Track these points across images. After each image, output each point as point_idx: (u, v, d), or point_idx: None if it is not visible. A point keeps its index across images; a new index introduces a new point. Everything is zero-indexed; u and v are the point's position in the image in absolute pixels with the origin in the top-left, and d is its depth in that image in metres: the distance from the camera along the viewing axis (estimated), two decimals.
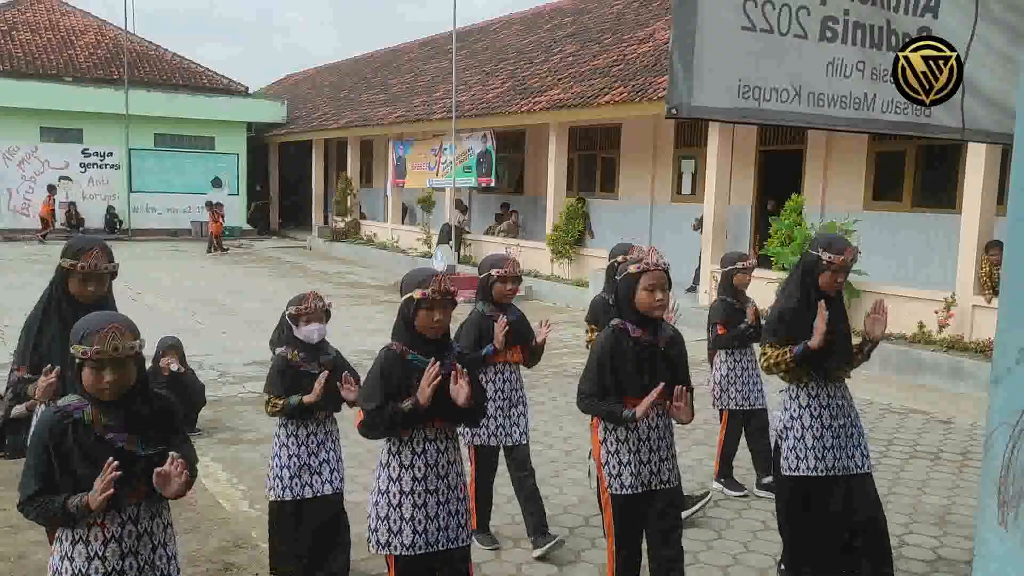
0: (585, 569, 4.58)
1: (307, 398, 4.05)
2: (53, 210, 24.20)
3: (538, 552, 4.65)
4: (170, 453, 2.58)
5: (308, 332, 4.16)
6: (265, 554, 4.65)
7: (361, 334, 10.44)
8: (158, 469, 2.55)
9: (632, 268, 3.52)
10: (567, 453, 6.54)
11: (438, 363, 3.12)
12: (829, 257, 3.95)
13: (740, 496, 5.68)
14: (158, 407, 2.74)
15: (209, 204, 24.06)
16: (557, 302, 14.79)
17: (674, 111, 2.87)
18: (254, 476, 5.85)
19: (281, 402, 4.12)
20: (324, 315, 4.21)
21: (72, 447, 2.56)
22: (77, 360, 2.57)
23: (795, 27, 2.97)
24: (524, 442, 4.80)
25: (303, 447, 4.18)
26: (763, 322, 5.54)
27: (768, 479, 5.83)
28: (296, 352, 4.19)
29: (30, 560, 4.56)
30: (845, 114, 3.10)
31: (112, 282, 3.79)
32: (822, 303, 3.89)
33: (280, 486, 4.18)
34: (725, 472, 5.83)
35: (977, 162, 9.78)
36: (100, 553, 2.60)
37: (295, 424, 4.19)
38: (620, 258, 5.17)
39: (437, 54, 26.69)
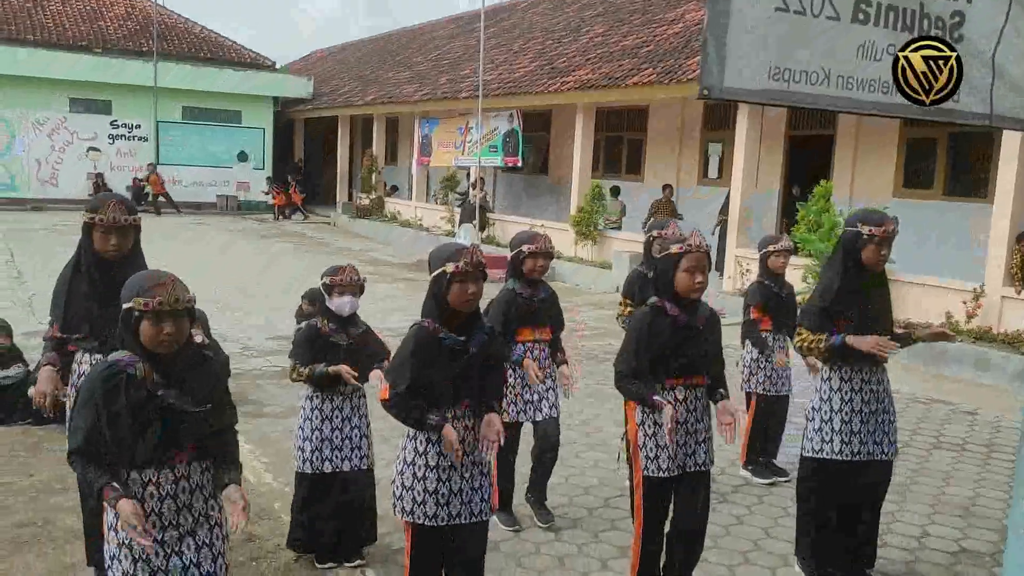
0: (604, 549, 4.58)
1: (332, 369, 4.06)
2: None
3: (545, 524, 4.82)
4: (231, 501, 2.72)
5: (340, 304, 4.17)
6: (286, 525, 4.70)
7: (381, 312, 10.45)
8: (233, 496, 2.72)
9: (674, 249, 3.51)
10: (587, 435, 6.53)
11: (461, 452, 3.15)
12: (870, 230, 3.90)
13: (767, 484, 5.62)
14: (206, 366, 2.80)
15: (292, 180, 26.57)
16: (580, 283, 14.76)
17: (706, 92, 2.83)
18: (277, 449, 5.90)
19: (306, 370, 4.13)
20: (358, 289, 4.22)
21: (123, 402, 2.62)
22: (136, 313, 2.61)
23: (828, 9, 2.92)
24: (555, 415, 4.81)
25: (327, 422, 4.20)
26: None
27: (763, 459, 5.83)
28: (327, 322, 4.20)
29: (56, 525, 4.63)
30: (873, 98, 3.05)
31: (139, 238, 3.78)
32: (891, 344, 3.86)
33: (301, 458, 4.23)
34: (752, 459, 5.76)
35: (1011, 152, 9.61)
36: (157, 509, 2.67)
37: (320, 398, 4.20)
38: (655, 233, 5.15)
39: (464, 32, 26.57)
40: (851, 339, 3.90)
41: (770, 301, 5.61)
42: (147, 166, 25.48)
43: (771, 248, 5.61)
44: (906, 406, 7.72)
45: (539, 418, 4.75)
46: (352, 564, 4.25)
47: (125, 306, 2.64)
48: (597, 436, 6.50)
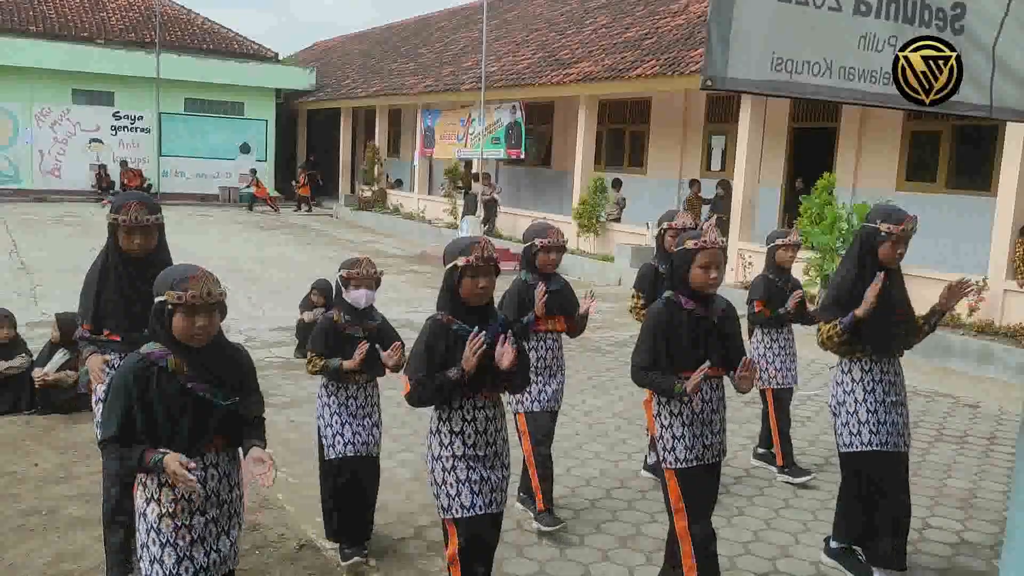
0: (605, 540, 4.60)
1: (347, 363, 4.10)
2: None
3: (543, 528, 4.60)
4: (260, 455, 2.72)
5: (356, 297, 4.19)
6: (289, 515, 4.74)
7: (383, 304, 10.42)
8: (258, 455, 2.71)
9: (689, 244, 3.49)
10: (589, 427, 6.56)
11: (482, 332, 3.12)
12: (888, 227, 3.91)
13: (807, 479, 5.49)
14: (233, 359, 2.84)
15: (308, 173, 26.70)
16: (582, 276, 14.76)
17: (709, 82, 2.84)
18: (280, 440, 5.92)
19: (322, 362, 4.17)
20: (374, 282, 4.25)
21: (155, 394, 2.66)
22: (169, 306, 2.64)
23: (830, 0, 2.94)
24: (556, 409, 4.80)
25: (342, 407, 4.25)
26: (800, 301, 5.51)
27: (763, 450, 5.81)
28: (342, 315, 4.23)
29: (60, 514, 4.66)
30: (875, 89, 3.06)
31: (163, 236, 3.83)
32: (881, 274, 3.85)
33: (325, 444, 4.25)
34: (788, 461, 5.59)
35: (1015, 145, 9.61)
36: (186, 495, 2.71)
37: (335, 385, 4.25)
38: (666, 224, 5.12)
39: (467, 23, 26.52)
40: (859, 310, 3.91)
41: (773, 295, 5.60)
42: (120, 163, 25.11)
43: (779, 242, 5.60)
44: (909, 399, 7.70)
45: (537, 408, 4.70)
46: (362, 556, 4.23)
47: (158, 299, 2.67)
48: (599, 427, 6.52)
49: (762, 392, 5.71)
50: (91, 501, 4.59)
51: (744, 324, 5.78)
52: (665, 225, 5.14)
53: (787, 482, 5.52)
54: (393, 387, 4.70)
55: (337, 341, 4.20)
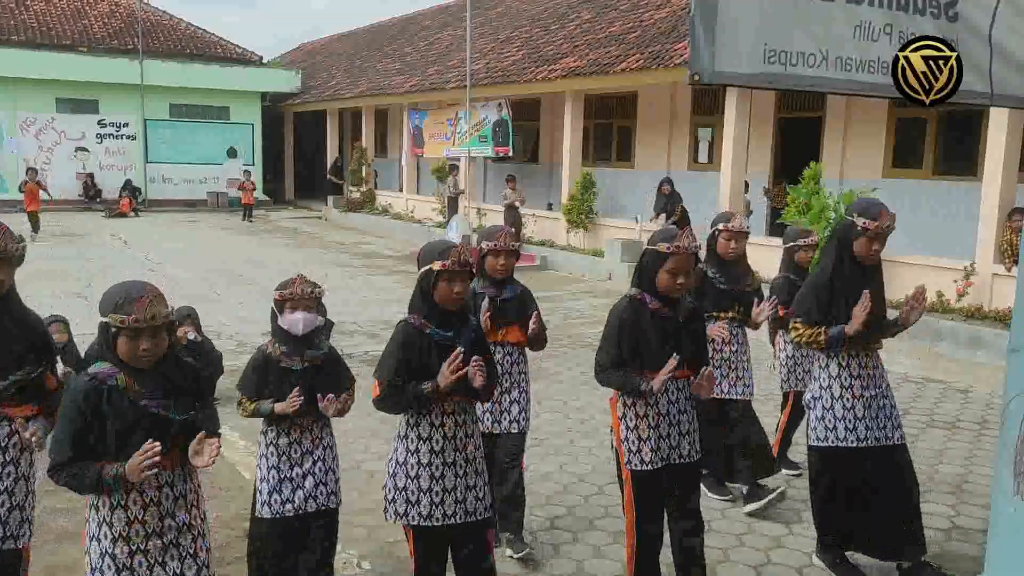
0: (598, 536, 4.60)
1: (278, 407, 3.46)
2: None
3: (518, 555, 4.24)
4: (206, 437, 2.65)
5: (292, 322, 3.51)
6: None
7: (378, 304, 10.42)
8: (194, 445, 2.63)
9: (661, 247, 3.44)
10: (582, 423, 6.55)
11: (462, 352, 3.08)
12: (864, 222, 3.85)
13: (795, 475, 5.46)
14: (187, 373, 2.78)
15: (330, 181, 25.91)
16: (572, 272, 14.76)
17: (696, 77, 2.80)
18: None
19: (252, 406, 3.54)
20: (314, 303, 3.57)
21: (108, 412, 2.60)
22: (112, 329, 2.58)
23: None
24: (515, 431, 4.28)
25: (283, 457, 3.56)
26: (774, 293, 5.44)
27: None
28: (278, 346, 3.56)
29: (49, 527, 4.63)
30: (873, 79, 3.03)
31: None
32: (867, 294, 3.80)
33: (259, 501, 3.59)
34: (782, 453, 5.53)
35: (1000, 129, 9.64)
36: (140, 517, 2.66)
37: (275, 431, 3.57)
38: (720, 226, 4.90)
39: (452, 21, 26.47)
40: (849, 328, 3.85)
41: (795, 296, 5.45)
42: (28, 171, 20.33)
43: (801, 242, 5.45)
44: (899, 385, 7.74)
45: (497, 431, 4.27)
46: None
47: (101, 320, 2.61)
48: (590, 424, 6.52)
49: (785, 395, 5.52)
50: (81, 514, 4.56)
51: (766, 326, 5.64)
52: (720, 227, 4.90)
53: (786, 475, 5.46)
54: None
55: (273, 377, 3.52)
